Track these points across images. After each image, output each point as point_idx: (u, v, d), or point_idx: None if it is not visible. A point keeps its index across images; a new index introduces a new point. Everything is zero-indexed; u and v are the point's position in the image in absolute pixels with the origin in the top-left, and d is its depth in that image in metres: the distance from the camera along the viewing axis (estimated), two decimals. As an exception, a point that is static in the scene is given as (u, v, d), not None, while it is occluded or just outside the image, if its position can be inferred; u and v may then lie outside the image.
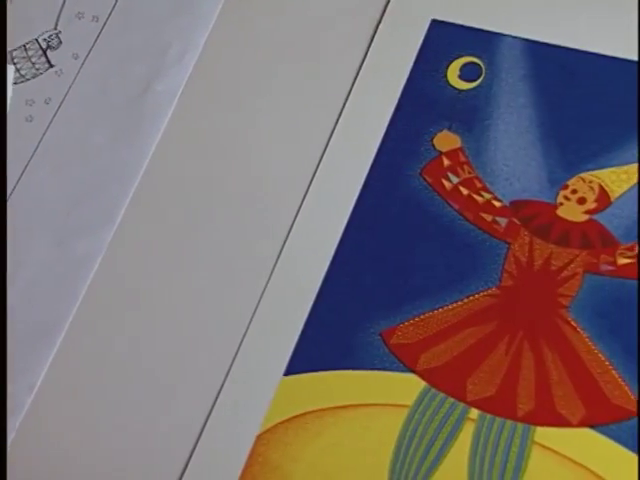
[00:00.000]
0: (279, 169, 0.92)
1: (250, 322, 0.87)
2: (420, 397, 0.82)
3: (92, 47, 0.91)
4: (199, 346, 0.87)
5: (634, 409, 0.78)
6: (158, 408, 0.86)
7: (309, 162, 0.91)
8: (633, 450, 0.77)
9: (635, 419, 0.78)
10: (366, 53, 0.93)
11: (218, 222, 0.91)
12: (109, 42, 0.91)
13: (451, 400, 0.82)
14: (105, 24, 0.88)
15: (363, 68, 0.93)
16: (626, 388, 0.79)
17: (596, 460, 0.78)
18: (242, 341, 0.86)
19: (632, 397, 0.78)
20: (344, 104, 0.92)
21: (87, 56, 0.91)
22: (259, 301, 0.88)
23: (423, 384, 0.83)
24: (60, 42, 0.94)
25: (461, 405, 0.82)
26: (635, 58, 0.87)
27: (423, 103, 0.91)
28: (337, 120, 0.92)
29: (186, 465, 0.83)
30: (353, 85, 0.93)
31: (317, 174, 0.91)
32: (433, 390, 0.83)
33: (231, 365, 0.86)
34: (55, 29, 0.92)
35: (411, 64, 0.92)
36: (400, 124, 0.91)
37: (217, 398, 0.85)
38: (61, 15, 0.92)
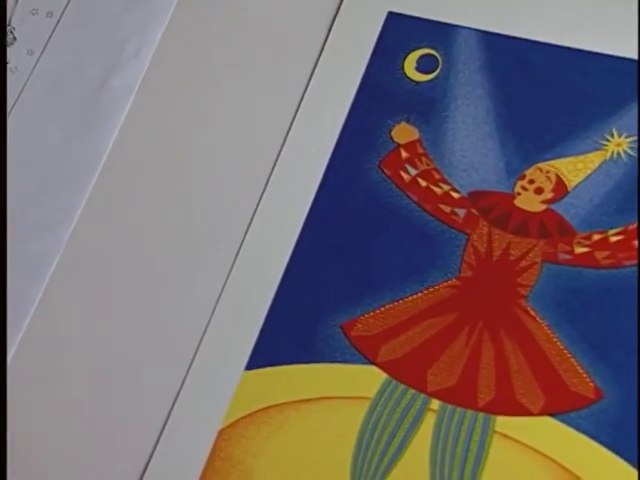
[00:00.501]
0: (237, 164, 0.92)
1: (211, 318, 0.87)
2: (381, 389, 0.83)
3: (47, 43, 0.91)
4: (160, 343, 0.87)
5: (593, 396, 0.79)
6: (119, 405, 0.86)
7: (267, 156, 0.92)
8: (592, 437, 0.78)
9: (594, 406, 0.79)
10: (323, 47, 0.93)
11: (176, 217, 0.92)
12: (64, 38, 0.91)
13: (412, 391, 0.83)
14: (60, 20, 0.88)
15: (320, 62, 0.94)
16: (585, 376, 0.80)
17: (556, 448, 0.78)
18: (203, 337, 0.87)
19: (591, 384, 0.80)
20: (302, 98, 0.93)
21: (42, 52, 0.91)
22: (219, 297, 0.88)
23: (384, 376, 0.83)
24: (14, 38, 0.93)
25: (422, 396, 0.82)
26: (589, 49, 0.88)
27: (381, 96, 0.92)
28: (295, 114, 0.92)
29: (148, 461, 0.83)
30: (310, 79, 0.93)
31: (275, 169, 0.91)
32: (394, 382, 0.83)
33: (192, 361, 0.86)
34: (9, 25, 0.92)
35: (368, 57, 0.93)
36: (358, 117, 0.92)
37: (178, 394, 0.85)
38: (15, 11, 0.92)
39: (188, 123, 0.94)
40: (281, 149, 0.92)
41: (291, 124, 0.92)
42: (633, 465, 0.76)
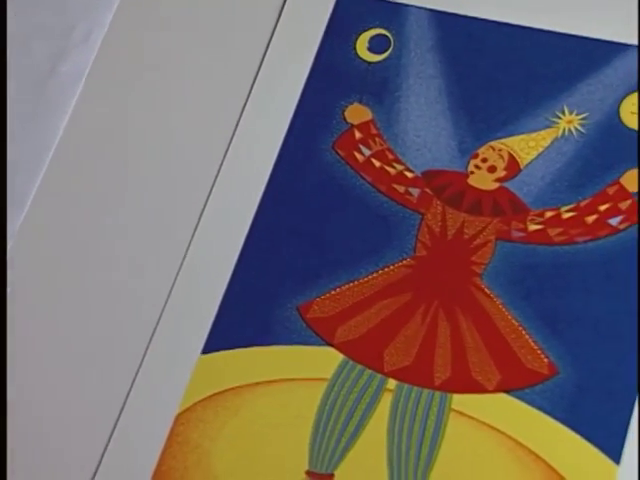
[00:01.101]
0: (190, 147, 0.93)
1: (166, 302, 0.88)
2: (338, 370, 0.84)
3: (-6, 29, 0.90)
4: (115, 329, 0.88)
5: (547, 372, 0.80)
6: (75, 392, 0.86)
7: (221, 139, 0.92)
8: (547, 413, 0.79)
9: (548, 382, 0.80)
10: (274, 28, 0.94)
11: (130, 204, 0.92)
12: (10, 23, 0.91)
13: (369, 372, 0.83)
14: (5, 4, 0.87)
15: (272, 44, 0.94)
16: (539, 352, 0.81)
17: (511, 424, 0.80)
18: (158, 321, 0.87)
19: (545, 360, 0.81)
20: (254, 80, 0.93)
21: (-11, 38, 0.91)
22: (174, 281, 0.88)
23: (341, 357, 0.84)
24: (-40, 25, 0.93)
25: (379, 376, 0.83)
26: (539, 27, 0.89)
27: (333, 77, 0.92)
28: (247, 97, 0.93)
29: (106, 446, 0.84)
30: (263, 61, 0.93)
31: (229, 152, 0.92)
32: (351, 362, 0.84)
33: (148, 345, 0.86)
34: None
35: (320, 38, 0.93)
36: (311, 98, 0.92)
37: (135, 380, 0.85)
38: (-41, -3, 0.91)
39: (139, 108, 0.94)
40: (234, 132, 0.92)
41: (244, 106, 0.93)
42: (587, 439, 0.78)
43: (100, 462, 0.83)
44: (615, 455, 0.77)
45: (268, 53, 0.94)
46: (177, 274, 0.89)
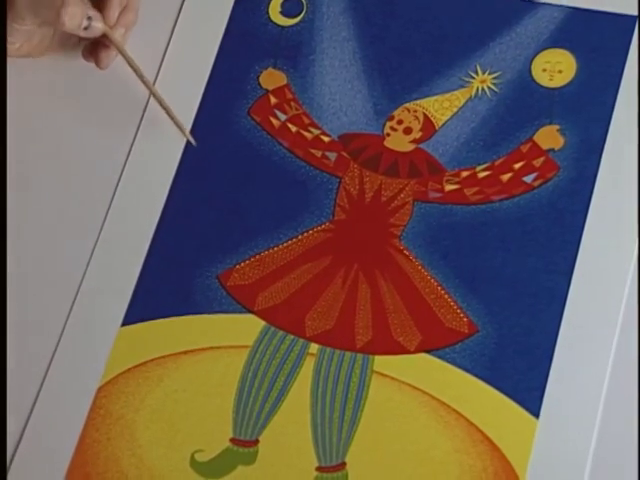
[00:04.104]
0: (103, 117, 0.94)
1: (84, 275, 0.89)
2: (260, 336, 0.87)
3: None
4: (32, 305, 0.89)
5: (467, 331, 0.84)
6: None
7: (134, 107, 0.93)
8: (468, 371, 0.83)
9: (468, 340, 0.83)
10: (185, -6, 0.96)
11: (44, 176, 0.93)
12: None
13: (291, 337, 0.86)
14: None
15: (183, 8, 0.95)
16: (459, 311, 0.84)
17: (433, 384, 0.83)
18: (77, 295, 0.89)
19: (465, 319, 0.84)
20: (166, 46, 0.95)
21: None
22: (91, 253, 0.90)
23: (262, 323, 0.87)
24: None
25: (301, 341, 0.86)
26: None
27: (246, 42, 0.94)
28: (160, 64, 0.94)
29: (26, 421, 0.85)
30: (175, 27, 0.95)
31: (143, 120, 0.93)
32: (272, 328, 0.87)
33: (67, 319, 0.88)
34: None
35: (232, 3, 0.95)
36: (225, 64, 0.94)
37: (54, 354, 0.87)
38: None
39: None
40: (148, 100, 0.94)
41: (157, 73, 0.94)
42: (507, 395, 0.81)
43: (21, 436, 0.85)
44: (534, 410, 0.81)
45: (180, 19, 0.95)
46: (94, 247, 0.90)
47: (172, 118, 0.90)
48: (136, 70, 0.91)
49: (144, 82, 0.91)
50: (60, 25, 0.87)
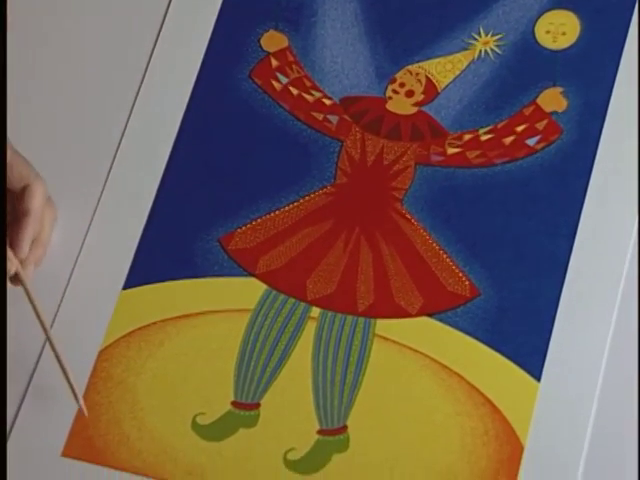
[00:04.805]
0: (103, 82, 0.94)
1: (85, 238, 0.90)
2: (261, 300, 0.87)
3: None
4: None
5: (469, 294, 0.84)
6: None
7: (134, 72, 0.93)
8: (469, 334, 0.83)
9: (470, 304, 0.84)
10: (186, -45, 0.96)
11: (44, 135, 0.93)
12: None
13: (292, 300, 0.87)
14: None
15: (184, -29, 0.96)
16: (461, 275, 0.85)
17: (435, 347, 0.83)
18: (77, 258, 0.89)
19: (467, 283, 0.84)
20: (166, 10, 0.95)
21: None
22: (93, 216, 0.90)
23: (264, 287, 0.87)
24: None
25: (302, 305, 0.86)
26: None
27: (248, 3, 0.94)
28: (160, 27, 0.94)
29: (28, 384, 0.86)
30: (175, -11, 0.95)
31: (143, 84, 0.93)
32: (274, 292, 0.87)
33: (68, 283, 0.88)
34: None
35: (233, -36, 0.95)
36: (225, 27, 0.94)
37: (55, 317, 0.88)
38: None
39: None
40: (147, 64, 0.94)
41: (157, 37, 0.94)
42: (509, 358, 0.82)
43: (23, 399, 0.86)
44: (536, 372, 0.81)
45: (180, -19, 0.96)
46: (95, 210, 0.90)
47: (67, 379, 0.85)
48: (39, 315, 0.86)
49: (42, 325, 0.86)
50: None
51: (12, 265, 0.85)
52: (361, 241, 0.87)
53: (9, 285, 0.86)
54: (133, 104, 0.93)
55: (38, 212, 0.86)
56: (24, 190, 0.86)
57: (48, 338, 0.85)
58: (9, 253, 0.85)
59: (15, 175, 0.86)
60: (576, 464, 0.79)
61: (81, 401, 0.84)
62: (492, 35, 0.90)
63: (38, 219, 0.86)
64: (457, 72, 0.90)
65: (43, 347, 0.86)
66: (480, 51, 0.90)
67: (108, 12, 0.96)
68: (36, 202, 0.86)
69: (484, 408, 0.81)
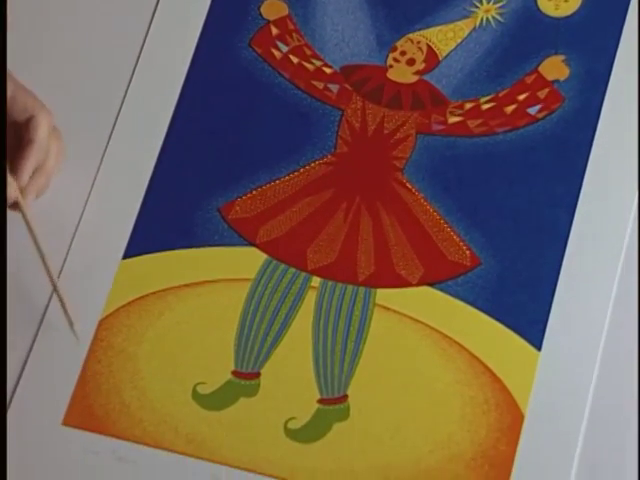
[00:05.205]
0: (102, 52, 0.94)
1: (84, 208, 0.90)
2: (262, 269, 0.87)
3: None
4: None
5: (469, 264, 0.84)
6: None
7: (133, 40, 0.93)
8: (470, 303, 0.83)
9: (471, 273, 0.84)
10: None
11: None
12: None
13: (293, 270, 0.87)
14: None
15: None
16: (461, 244, 0.85)
17: (436, 316, 0.84)
18: (77, 227, 0.89)
19: (467, 252, 0.85)
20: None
21: None
22: (92, 186, 0.90)
23: (264, 256, 0.87)
24: None
25: (303, 274, 0.87)
26: None
27: (247, -29, 0.94)
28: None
29: (28, 353, 0.86)
30: (174, -44, 0.95)
31: (142, 53, 0.93)
32: (274, 262, 0.87)
33: (68, 252, 0.89)
34: None
35: None
36: (225, -6, 0.94)
37: (55, 286, 0.88)
38: None
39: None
40: (147, 32, 0.93)
41: (156, 5, 0.94)
42: (509, 327, 0.82)
43: (23, 369, 0.86)
44: (536, 342, 0.81)
45: (179, -52, 0.95)
46: (95, 178, 0.91)
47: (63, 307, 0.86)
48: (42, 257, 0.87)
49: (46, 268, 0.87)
50: None
51: (12, 189, 0.85)
52: (362, 210, 0.87)
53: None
54: (132, 73, 0.93)
55: (43, 142, 0.86)
56: (29, 121, 0.86)
57: (44, 262, 0.86)
58: (9, 178, 0.85)
59: (20, 106, 0.86)
60: (576, 433, 0.79)
61: (75, 326, 0.86)
62: (494, 2, 0.89)
63: (42, 149, 0.86)
64: (458, 40, 0.89)
65: (44, 314, 0.87)
66: (482, 19, 0.89)
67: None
68: (41, 132, 0.86)
69: (484, 377, 0.82)
